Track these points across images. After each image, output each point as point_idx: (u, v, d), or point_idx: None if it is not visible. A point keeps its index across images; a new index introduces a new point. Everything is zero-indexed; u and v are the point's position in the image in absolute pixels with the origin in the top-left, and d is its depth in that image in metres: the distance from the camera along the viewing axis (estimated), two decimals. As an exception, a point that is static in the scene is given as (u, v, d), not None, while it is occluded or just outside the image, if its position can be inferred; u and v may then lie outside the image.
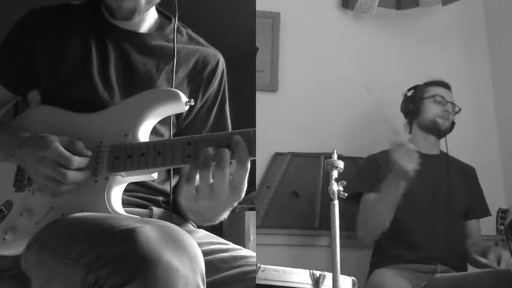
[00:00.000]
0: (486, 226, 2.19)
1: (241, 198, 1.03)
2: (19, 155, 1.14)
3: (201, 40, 1.42)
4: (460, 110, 2.18)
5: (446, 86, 2.19)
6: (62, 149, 1.09)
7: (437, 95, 2.14)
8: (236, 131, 1.04)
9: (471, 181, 2.22)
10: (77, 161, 1.09)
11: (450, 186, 2.10)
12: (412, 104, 2.17)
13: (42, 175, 1.10)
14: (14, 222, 1.12)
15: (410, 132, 2.22)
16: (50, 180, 1.09)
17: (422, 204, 2.05)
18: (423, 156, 2.14)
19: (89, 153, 1.12)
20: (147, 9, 1.30)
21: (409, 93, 2.22)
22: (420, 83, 2.21)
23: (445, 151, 2.19)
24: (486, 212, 2.21)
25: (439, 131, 2.15)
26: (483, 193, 2.22)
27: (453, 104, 2.16)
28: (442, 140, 2.20)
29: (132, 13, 1.26)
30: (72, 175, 1.08)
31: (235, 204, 1.07)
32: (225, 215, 1.15)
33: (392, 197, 1.89)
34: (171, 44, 1.32)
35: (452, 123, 2.19)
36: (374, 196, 1.99)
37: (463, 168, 2.21)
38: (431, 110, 2.14)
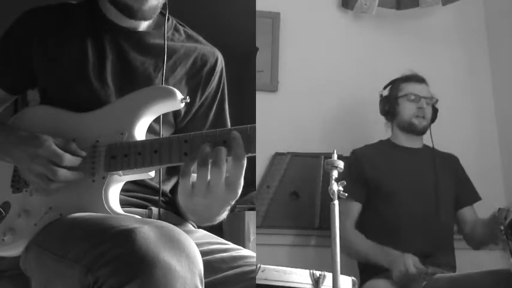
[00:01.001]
0: (486, 226, 2.18)
1: (238, 196, 1.02)
2: (14, 154, 1.15)
3: (199, 38, 1.42)
4: (437, 100, 2.16)
5: (420, 80, 2.17)
6: (54, 147, 1.09)
7: (410, 94, 2.13)
8: (233, 127, 1.04)
9: (456, 169, 2.20)
10: (69, 159, 1.10)
11: (436, 179, 2.08)
12: (388, 105, 2.17)
13: (34, 173, 1.10)
14: (12, 224, 1.12)
15: (392, 132, 2.22)
16: (41, 178, 1.09)
17: (409, 201, 2.02)
18: (407, 149, 2.15)
19: (83, 153, 1.12)
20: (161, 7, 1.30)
21: (385, 93, 2.21)
22: (397, 76, 2.20)
23: (428, 144, 2.17)
24: (476, 197, 2.20)
25: (417, 131, 2.14)
26: (469, 179, 2.21)
27: (429, 97, 2.14)
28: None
29: (155, 12, 1.26)
30: (63, 173, 1.09)
31: (232, 202, 1.06)
32: (224, 215, 1.14)
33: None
34: (169, 43, 1.31)
35: (435, 111, 2.16)
36: (357, 209, 2.03)
37: (446, 158, 2.20)
38: (406, 110, 2.13)
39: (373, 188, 2.06)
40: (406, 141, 2.17)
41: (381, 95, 2.22)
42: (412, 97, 2.13)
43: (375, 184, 2.06)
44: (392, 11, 2.62)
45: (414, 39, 2.64)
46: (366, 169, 2.08)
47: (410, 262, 1.80)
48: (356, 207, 2.05)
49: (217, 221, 1.18)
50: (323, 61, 2.55)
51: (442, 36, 2.69)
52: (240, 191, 1.02)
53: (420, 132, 2.15)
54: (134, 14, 1.25)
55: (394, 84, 2.19)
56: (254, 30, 2.18)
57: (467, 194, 2.19)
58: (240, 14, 2.26)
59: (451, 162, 2.21)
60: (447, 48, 2.69)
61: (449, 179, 2.14)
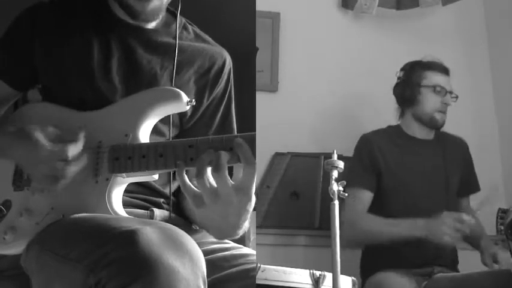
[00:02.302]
0: (486, 226, 2.18)
1: (252, 201, 1.00)
2: (12, 155, 1.12)
3: (208, 38, 1.40)
4: (457, 97, 2.06)
5: (445, 70, 2.05)
6: (47, 143, 1.06)
7: (437, 85, 2.01)
8: (239, 134, 1.03)
9: (464, 156, 2.14)
10: (73, 150, 1.06)
11: (446, 173, 2.03)
12: (409, 91, 2.02)
13: (38, 174, 1.08)
14: (13, 222, 1.11)
15: (401, 117, 2.12)
16: (46, 179, 1.07)
17: (418, 196, 1.97)
18: (417, 141, 2.07)
19: (81, 136, 1.09)
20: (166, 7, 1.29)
21: (402, 75, 2.07)
22: (416, 59, 2.10)
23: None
24: (476, 187, 2.15)
25: (437, 126, 2.05)
26: (474, 167, 2.16)
27: (451, 92, 2.05)
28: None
29: (158, 14, 1.25)
30: (71, 169, 1.06)
31: (250, 209, 1.02)
32: (245, 226, 1.09)
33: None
34: (178, 41, 1.30)
35: None
36: (368, 197, 1.93)
37: (456, 144, 2.13)
38: (430, 103, 2.01)
39: (382, 178, 1.97)
40: (419, 132, 2.07)
41: (399, 77, 2.08)
42: (439, 89, 2.01)
43: (385, 174, 1.97)
44: (392, 11, 2.62)
45: (414, 39, 2.64)
46: (377, 157, 1.97)
47: (455, 214, 1.74)
48: (367, 196, 1.94)
49: (239, 234, 1.12)
50: (323, 61, 2.56)
51: (442, 36, 2.69)
52: (253, 195, 0.99)
53: (439, 127, 2.05)
54: (137, 15, 1.24)
55: (415, 69, 2.06)
56: (254, 30, 2.17)
57: (469, 183, 2.14)
58: (240, 14, 2.26)
59: (460, 149, 2.14)
60: (447, 48, 2.68)
61: (458, 168, 2.09)
